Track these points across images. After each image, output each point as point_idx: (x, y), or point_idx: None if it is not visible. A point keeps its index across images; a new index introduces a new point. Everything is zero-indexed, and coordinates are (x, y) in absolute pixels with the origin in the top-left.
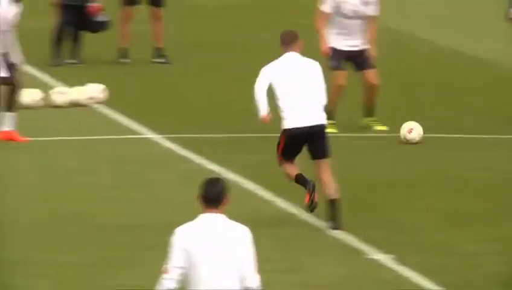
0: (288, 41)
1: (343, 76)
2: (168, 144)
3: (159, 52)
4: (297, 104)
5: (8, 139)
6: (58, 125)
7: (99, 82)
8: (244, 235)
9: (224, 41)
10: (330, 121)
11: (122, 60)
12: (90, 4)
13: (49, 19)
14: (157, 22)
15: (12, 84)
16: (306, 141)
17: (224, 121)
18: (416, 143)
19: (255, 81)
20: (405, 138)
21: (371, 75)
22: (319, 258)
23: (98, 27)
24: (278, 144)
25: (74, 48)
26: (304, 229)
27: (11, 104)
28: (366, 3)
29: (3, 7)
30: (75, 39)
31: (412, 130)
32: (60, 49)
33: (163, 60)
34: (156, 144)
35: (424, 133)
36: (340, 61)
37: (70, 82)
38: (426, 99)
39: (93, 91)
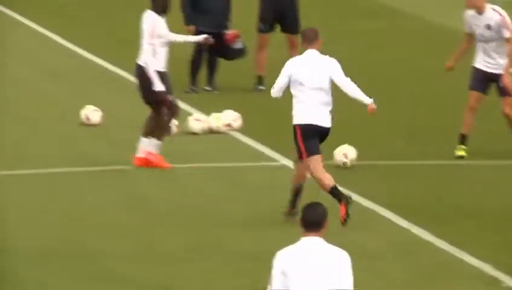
0: (309, 40)
1: (475, 97)
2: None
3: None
4: (308, 102)
5: (151, 164)
6: (195, 152)
7: (235, 109)
8: (343, 260)
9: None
10: (462, 146)
11: (258, 87)
12: (226, 31)
13: (185, 47)
14: (293, 49)
15: (164, 108)
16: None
17: (363, 148)
18: None
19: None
20: None
21: (506, 102)
22: (454, 287)
23: (234, 54)
24: (296, 139)
25: (210, 75)
26: (440, 258)
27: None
28: (488, 28)
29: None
30: (212, 66)
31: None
32: (196, 76)
33: None
34: (291, 170)
35: None
36: (476, 81)
37: (207, 109)
38: None
39: (229, 118)
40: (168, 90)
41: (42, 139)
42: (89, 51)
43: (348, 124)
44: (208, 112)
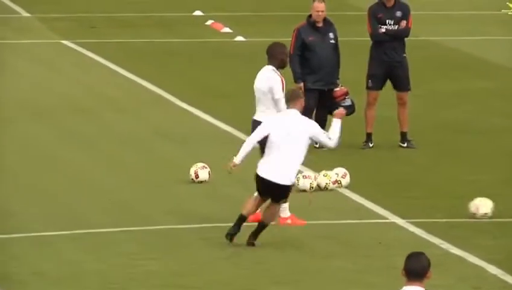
0: (290, 99)
1: None
2: (412, 228)
3: (404, 137)
4: (274, 158)
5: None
6: (302, 209)
7: (344, 166)
8: None
9: (475, 126)
10: None
11: (366, 145)
12: (335, 88)
13: None
14: (402, 107)
15: None
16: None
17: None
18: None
19: (499, 164)
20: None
21: None
22: None
23: None
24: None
25: None
26: None
27: None
28: None
29: None
30: (320, 123)
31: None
32: None
33: (407, 145)
34: (400, 228)
35: None
36: None
37: (316, 166)
38: None
39: (337, 175)
40: None
41: (152, 197)
42: (188, 103)
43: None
44: (317, 169)
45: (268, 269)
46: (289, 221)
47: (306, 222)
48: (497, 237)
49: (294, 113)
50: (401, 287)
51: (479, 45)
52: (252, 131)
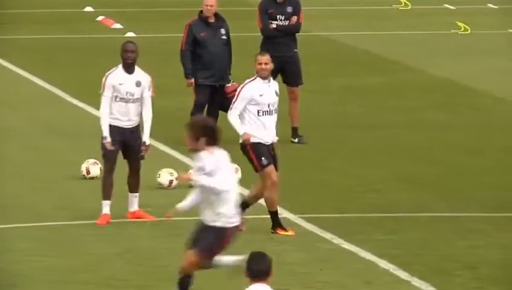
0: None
1: None
2: (303, 224)
3: (295, 132)
4: None
5: (137, 217)
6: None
7: (234, 162)
8: None
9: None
10: None
11: None
12: (227, 84)
13: (186, 99)
14: (293, 102)
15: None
16: None
17: (359, 201)
18: None
19: (391, 160)
20: None
21: None
22: None
23: None
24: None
25: None
26: None
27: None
28: None
29: None
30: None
31: None
32: None
33: (298, 140)
34: (292, 223)
35: None
36: None
37: None
38: None
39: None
40: None
41: (42, 193)
42: (79, 99)
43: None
44: None
45: (162, 266)
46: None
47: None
48: (388, 232)
49: None
50: (247, 287)
51: (371, 40)
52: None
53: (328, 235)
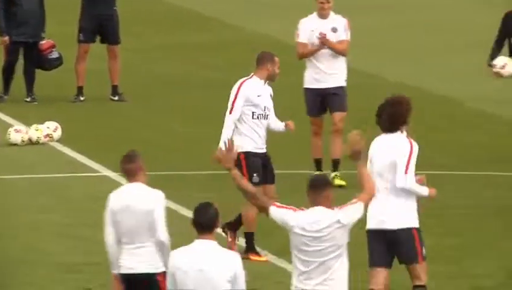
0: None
1: None
2: (124, 182)
3: (115, 90)
4: None
5: None
6: (14, 163)
7: (56, 120)
8: (235, 262)
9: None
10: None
11: (78, 98)
12: (41, 41)
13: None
14: (113, 60)
15: None
16: None
17: (179, 159)
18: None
19: (214, 120)
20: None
21: None
22: None
23: (51, 64)
24: None
25: (29, 85)
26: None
27: None
28: None
29: None
30: (29, 77)
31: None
32: (7, 86)
33: (118, 98)
34: (112, 181)
35: None
36: None
37: (27, 120)
38: None
39: (49, 129)
40: None
41: None
42: None
43: None
44: (28, 123)
45: None
46: None
47: None
48: (206, 190)
49: None
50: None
51: None
52: None
53: None
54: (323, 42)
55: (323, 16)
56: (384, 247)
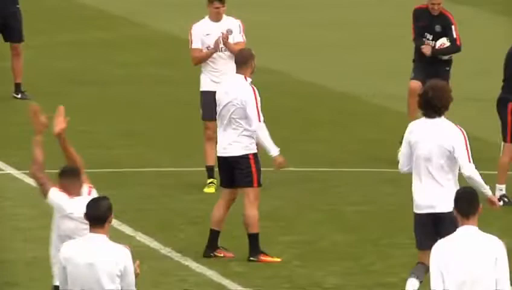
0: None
1: None
2: (27, 180)
3: (18, 88)
4: None
5: None
6: None
7: None
8: (124, 257)
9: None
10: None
11: None
12: None
13: None
14: (16, 58)
15: None
16: None
17: (84, 157)
18: None
19: (116, 116)
20: None
21: None
22: None
23: None
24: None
25: None
26: (169, 264)
27: None
28: None
29: None
30: None
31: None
32: None
33: (21, 96)
34: (14, 179)
35: (293, 167)
36: None
37: None
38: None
39: None
40: None
41: None
42: None
43: None
44: None
45: None
46: None
47: None
48: (113, 187)
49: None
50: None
51: None
52: None
53: None
54: (225, 43)
55: (217, 19)
56: (432, 229)
